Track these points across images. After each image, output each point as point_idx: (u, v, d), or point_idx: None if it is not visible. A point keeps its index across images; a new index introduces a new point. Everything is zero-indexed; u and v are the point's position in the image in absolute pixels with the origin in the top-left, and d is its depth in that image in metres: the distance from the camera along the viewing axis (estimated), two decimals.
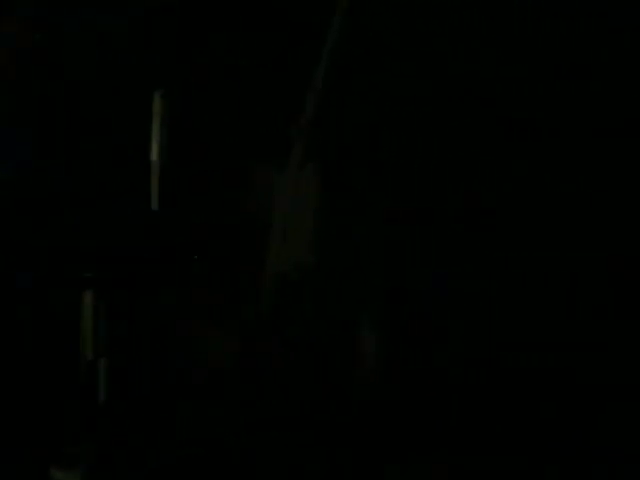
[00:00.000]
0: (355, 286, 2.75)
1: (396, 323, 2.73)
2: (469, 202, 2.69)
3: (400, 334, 2.73)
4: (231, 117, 2.85)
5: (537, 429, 2.60)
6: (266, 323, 2.77)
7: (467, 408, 2.66)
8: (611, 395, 2.58)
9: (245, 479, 2.71)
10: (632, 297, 2.62)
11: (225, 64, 2.83)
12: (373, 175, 2.74)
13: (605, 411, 2.58)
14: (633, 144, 2.62)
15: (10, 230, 2.74)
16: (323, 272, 2.77)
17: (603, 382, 2.58)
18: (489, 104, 2.68)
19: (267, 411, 2.74)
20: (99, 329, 2.74)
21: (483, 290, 2.68)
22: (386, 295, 2.74)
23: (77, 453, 2.72)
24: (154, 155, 2.77)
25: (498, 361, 2.66)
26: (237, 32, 2.81)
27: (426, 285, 2.71)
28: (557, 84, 2.67)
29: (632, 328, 2.59)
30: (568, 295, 2.64)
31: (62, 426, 2.74)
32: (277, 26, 2.81)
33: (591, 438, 2.58)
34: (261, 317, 2.77)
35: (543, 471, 2.59)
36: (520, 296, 2.66)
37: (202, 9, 2.80)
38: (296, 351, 2.74)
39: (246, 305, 2.78)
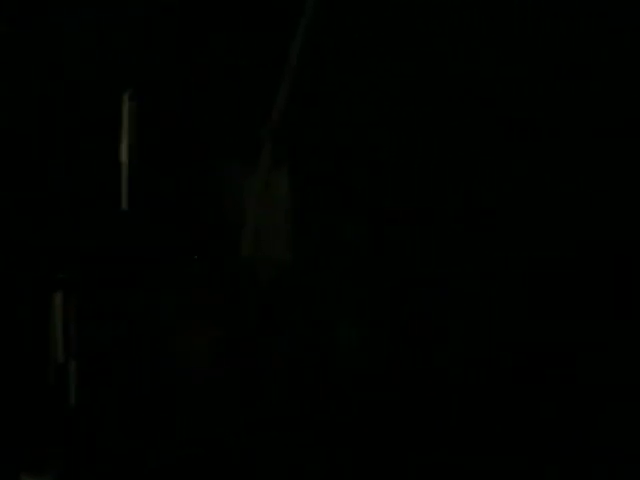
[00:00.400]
0: (332, 284, 2.74)
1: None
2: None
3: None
4: (201, 118, 2.84)
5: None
6: (248, 323, 2.76)
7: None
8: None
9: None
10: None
11: (195, 65, 2.82)
12: (346, 175, 2.74)
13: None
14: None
15: None
16: (299, 270, 2.76)
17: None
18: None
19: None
20: (69, 331, 2.74)
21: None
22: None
23: (47, 457, 2.71)
24: (123, 156, 2.76)
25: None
26: (209, 33, 2.81)
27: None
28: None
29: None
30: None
31: (32, 430, 2.72)
32: (246, 26, 2.81)
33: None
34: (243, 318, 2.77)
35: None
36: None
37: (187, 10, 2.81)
38: (277, 349, 2.73)
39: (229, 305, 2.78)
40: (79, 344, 2.72)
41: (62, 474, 2.66)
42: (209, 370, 2.77)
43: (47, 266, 2.74)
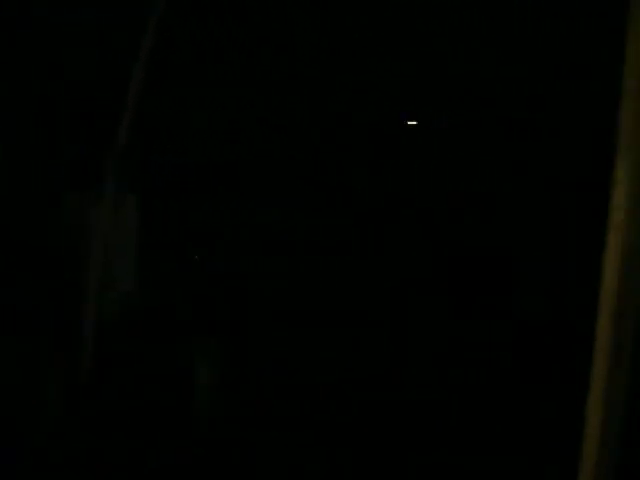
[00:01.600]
0: (183, 318, 2.66)
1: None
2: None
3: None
4: (44, 147, 2.75)
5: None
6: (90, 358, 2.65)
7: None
8: None
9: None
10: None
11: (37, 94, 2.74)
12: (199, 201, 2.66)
13: None
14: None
15: None
16: (147, 304, 2.67)
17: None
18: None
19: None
20: None
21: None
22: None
23: None
24: None
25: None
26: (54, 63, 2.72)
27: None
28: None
29: None
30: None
31: None
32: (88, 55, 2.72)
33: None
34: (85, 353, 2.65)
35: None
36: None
37: None
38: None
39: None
40: None
41: None
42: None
43: None
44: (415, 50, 2.73)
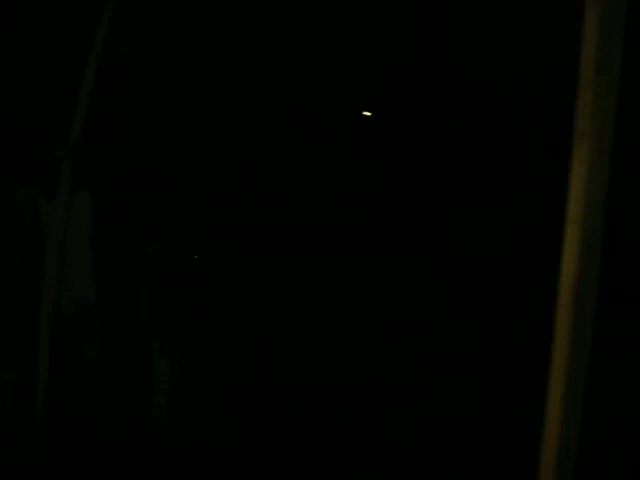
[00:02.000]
0: (141, 317, 2.62)
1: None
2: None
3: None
4: None
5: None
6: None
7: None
8: None
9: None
10: None
11: None
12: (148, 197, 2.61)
13: None
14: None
15: None
16: (104, 305, 2.63)
17: None
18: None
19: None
20: None
21: None
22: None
23: None
24: None
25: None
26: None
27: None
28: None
29: None
30: None
31: None
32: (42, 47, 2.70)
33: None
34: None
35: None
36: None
37: None
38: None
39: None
40: None
41: None
42: None
43: None
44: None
